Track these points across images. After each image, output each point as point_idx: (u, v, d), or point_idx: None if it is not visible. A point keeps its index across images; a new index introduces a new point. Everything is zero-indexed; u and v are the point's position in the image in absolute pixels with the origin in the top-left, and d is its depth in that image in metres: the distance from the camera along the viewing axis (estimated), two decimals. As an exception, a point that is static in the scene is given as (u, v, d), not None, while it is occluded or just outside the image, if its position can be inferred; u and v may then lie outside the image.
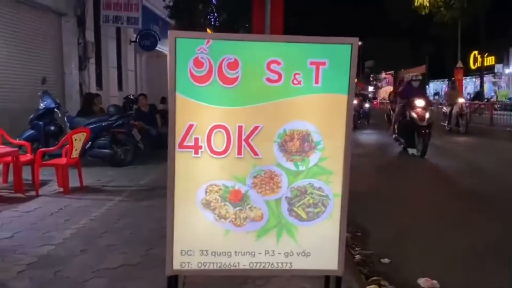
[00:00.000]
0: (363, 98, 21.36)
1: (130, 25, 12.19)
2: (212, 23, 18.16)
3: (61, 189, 5.89)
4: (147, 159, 8.30)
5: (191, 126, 2.14)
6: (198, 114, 2.14)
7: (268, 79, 2.15)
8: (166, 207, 2.24)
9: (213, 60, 2.12)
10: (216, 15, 16.80)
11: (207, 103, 2.14)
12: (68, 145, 5.95)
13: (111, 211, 5.05)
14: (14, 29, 9.02)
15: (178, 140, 2.14)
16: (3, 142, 6.32)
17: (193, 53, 2.11)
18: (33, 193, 5.71)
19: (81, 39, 11.03)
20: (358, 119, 17.81)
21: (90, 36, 11.46)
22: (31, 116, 7.63)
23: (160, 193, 5.89)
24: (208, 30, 20.09)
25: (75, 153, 6.01)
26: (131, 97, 12.12)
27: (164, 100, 13.48)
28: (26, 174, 5.96)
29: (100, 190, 6.17)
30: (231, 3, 13.86)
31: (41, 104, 7.64)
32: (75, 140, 5.99)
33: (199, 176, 2.17)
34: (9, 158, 5.74)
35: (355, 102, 12.31)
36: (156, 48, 14.55)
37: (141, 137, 8.56)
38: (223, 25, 17.33)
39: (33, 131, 7.53)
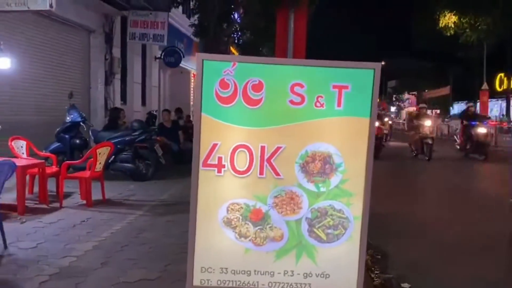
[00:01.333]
0: None
1: (156, 42, 12.50)
2: (236, 41, 18.47)
3: (84, 202, 6.01)
4: (168, 174, 8.41)
5: (215, 145, 2.20)
6: (222, 133, 2.20)
7: (292, 101, 2.20)
8: (186, 222, 2.28)
9: (238, 82, 2.18)
10: (239, 34, 17.08)
11: (231, 123, 2.20)
12: (92, 159, 6.10)
13: (132, 225, 5.12)
14: (46, 44, 9.37)
15: (202, 158, 2.19)
16: (30, 154, 6.51)
17: (219, 75, 2.19)
18: (57, 204, 5.84)
19: (108, 55, 11.36)
20: None
21: (116, 52, 11.79)
22: (58, 129, 7.84)
23: (180, 208, 5.98)
24: (231, 48, 20.44)
25: (98, 167, 6.15)
26: (154, 113, 12.38)
27: (178, 110, 13.77)
28: (51, 185, 6.12)
29: (121, 204, 6.27)
30: (255, 22, 14.09)
31: (68, 118, 7.85)
32: (99, 154, 6.13)
33: (221, 194, 2.21)
34: (35, 170, 5.91)
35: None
36: (180, 64, 14.85)
37: (163, 152, 8.69)
38: (246, 43, 17.60)
39: (59, 143, 7.73)
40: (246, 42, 17.48)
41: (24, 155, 6.26)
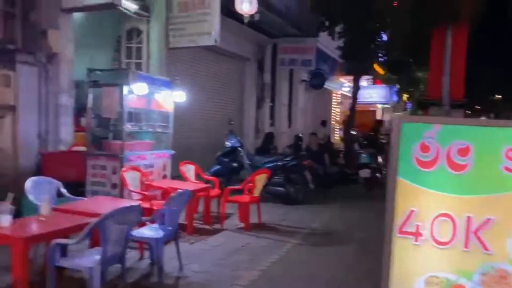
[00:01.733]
0: None
1: (303, 67, 12.79)
2: (381, 59, 17.81)
3: (242, 225, 6.37)
4: (315, 199, 8.48)
5: (412, 211, 2.07)
6: (420, 199, 2.06)
7: (506, 168, 1.96)
8: (339, 257, 2.20)
9: (442, 145, 2.03)
10: (385, 52, 16.45)
11: (432, 189, 2.05)
12: (251, 184, 6.46)
13: (289, 255, 5.23)
14: (210, 74, 10.34)
15: (397, 225, 2.08)
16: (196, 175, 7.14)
17: (419, 138, 2.06)
18: (218, 225, 6.30)
19: (259, 81, 12.02)
20: None
21: (267, 77, 12.40)
22: (218, 153, 8.50)
23: (333, 239, 5.95)
24: (375, 66, 19.78)
25: (257, 192, 6.48)
26: (300, 135, 12.64)
27: (323, 123, 14.10)
28: (212, 206, 6.62)
29: (275, 230, 6.47)
30: (404, 41, 13.39)
31: (227, 143, 8.47)
32: (258, 180, 6.47)
33: (419, 265, 2.06)
34: (202, 193, 6.48)
35: None
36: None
37: (311, 177, 8.77)
38: (392, 61, 16.83)
39: (219, 166, 8.37)
40: (392, 60, 16.72)
41: (192, 178, 6.91)
